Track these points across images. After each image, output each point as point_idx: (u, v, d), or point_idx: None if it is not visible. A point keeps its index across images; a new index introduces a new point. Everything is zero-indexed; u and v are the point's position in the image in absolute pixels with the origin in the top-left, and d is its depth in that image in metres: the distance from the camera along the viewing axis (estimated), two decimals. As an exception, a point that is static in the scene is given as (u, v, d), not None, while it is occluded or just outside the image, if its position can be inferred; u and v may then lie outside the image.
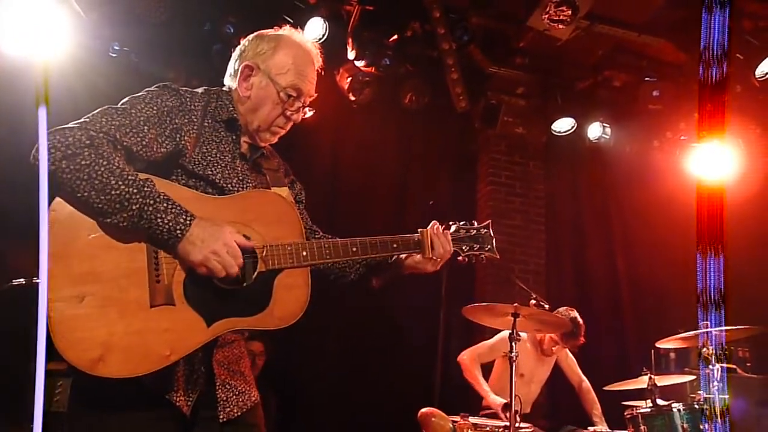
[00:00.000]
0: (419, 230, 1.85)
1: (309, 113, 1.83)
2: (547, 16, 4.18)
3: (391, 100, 5.18)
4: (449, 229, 1.93)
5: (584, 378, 4.39)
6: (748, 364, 4.81)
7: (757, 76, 4.71)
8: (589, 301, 5.61)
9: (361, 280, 1.95)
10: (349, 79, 4.81)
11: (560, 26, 4.25)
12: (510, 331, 3.25)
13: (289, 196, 1.79)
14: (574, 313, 4.05)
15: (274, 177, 1.81)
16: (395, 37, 4.70)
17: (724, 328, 3.52)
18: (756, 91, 4.94)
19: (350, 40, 4.52)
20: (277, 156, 1.92)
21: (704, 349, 3.62)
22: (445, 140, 5.67)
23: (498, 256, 1.95)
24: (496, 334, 4.10)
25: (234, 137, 1.75)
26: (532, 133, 5.77)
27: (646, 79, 5.31)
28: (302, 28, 4.30)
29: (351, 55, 4.56)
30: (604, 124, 5.51)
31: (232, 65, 1.82)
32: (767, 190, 5.58)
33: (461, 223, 1.96)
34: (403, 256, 1.88)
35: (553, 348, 4.16)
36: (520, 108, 5.66)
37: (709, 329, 3.47)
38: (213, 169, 1.66)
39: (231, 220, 1.60)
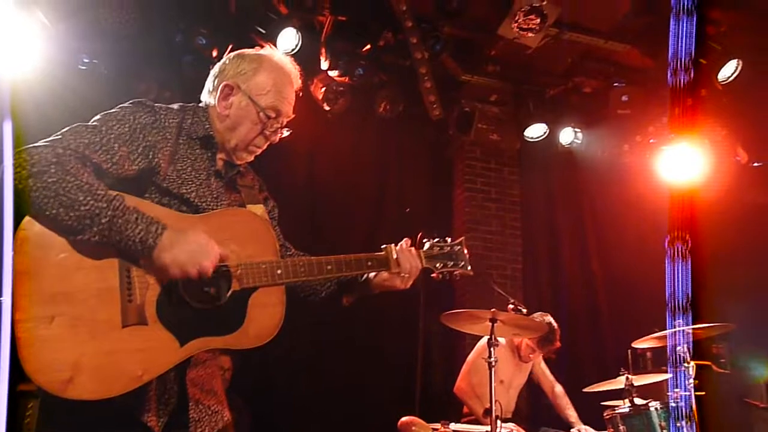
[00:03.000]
0: (383, 246, 1.86)
1: (286, 133, 1.83)
2: (516, 24, 4.25)
3: (366, 109, 5.20)
4: (422, 246, 1.95)
5: (556, 382, 4.43)
6: (722, 360, 4.91)
7: (720, 80, 4.83)
8: (565, 304, 5.67)
9: (332, 297, 1.97)
10: (323, 89, 4.82)
11: (530, 34, 4.32)
12: (489, 337, 3.28)
13: (264, 214, 1.80)
14: (549, 318, 4.10)
15: (248, 194, 1.81)
16: (368, 46, 4.73)
17: (696, 326, 3.59)
18: (720, 94, 5.06)
19: (323, 51, 4.53)
20: (251, 172, 1.91)
21: (678, 348, 3.70)
22: (421, 148, 5.71)
23: (472, 273, 1.99)
24: (475, 339, 4.13)
25: (210, 154, 1.75)
26: (506, 139, 5.84)
27: (615, 84, 5.41)
28: (275, 39, 4.31)
29: (324, 65, 4.58)
30: (576, 130, 5.60)
31: (210, 82, 1.82)
32: (735, 189, 5.72)
33: (435, 240, 1.98)
34: (372, 274, 1.89)
35: (531, 354, 4.20)
36: (493, 115, 5.73)
37: (681, 328, 3.54)
38: (187, 187, 1.65)
39: None
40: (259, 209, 1.77)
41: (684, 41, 4.31)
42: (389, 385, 4.67)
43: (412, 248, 1.90)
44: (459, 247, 1.98)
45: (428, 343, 4.90)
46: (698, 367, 3.87)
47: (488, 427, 3.18)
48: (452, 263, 1.95)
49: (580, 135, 5.62)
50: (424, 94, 5.08)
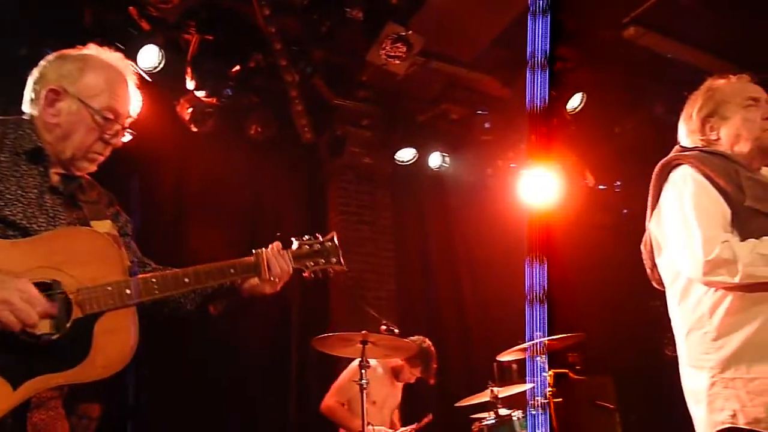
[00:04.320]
0: (254, 251, 1.79)
1: (128, 136, 1.71)
2: (384, 51, 4.40)
3: (237, 130, 5.09)
4: (291, 247, 1.87)
5: None
6: (578, 368, 5.30)
7: (568, 111, 5.31)
8: (439, 323, 5.86)
9: (199, 309, 1.84)
10: (191, 109, 4.65)
11: (396, 61, 4.48)
12: (360, 359, 3.28)
13: (112, 230, 1.65)
14: (428, 342, 4.19)
15: (93, 210, 1.66)
16: (238, 67, 4.65)
17: (551, 337, 3.85)
18: (569, 123, 5.55)
19: (189, 70, 4.38)
20: (97, 186, 1.76)
21: (537, 359, 3.94)
22: (294, 171, 5.67)
23: (345, 268, 1.91)
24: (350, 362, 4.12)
25: (41, 169, 1.59)
26: (378, 162, 5.97)
27: (478, 112, 5.76)
28: (135, 57, 4.10)
29: (190, 85, 4.42)
30: (444, 154, 5.87)
31: (30, 90, 1.67)
32: (585, 212, 6.27)
33: (304, 238, 1.90)
34: (239, 280, 1.81)
35: (410, 378, 4.27)
36: (366, 139, 5.84)
37: (538, 340, 3.78)
38: (12, 208, 1.49)
39: (36, 265, 1.44)
40: (105, 225, 1.63)
41: (538, 73, 4.71)
42: (262, 412, 4.51)
43: (284, 250, 1.82)
44: (331, 242, 1.90)
45: (303, 367, 4.81)
46: (556, 375, 4.16)
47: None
48: (324, 260, 1.87)
49: (447, 159, 5.90)
50: (295, 117, 5.07)
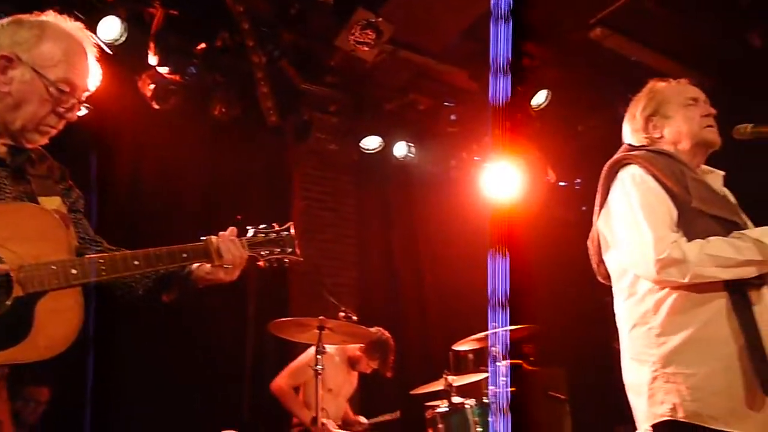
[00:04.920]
0: (203, 237, 1.74)
1: (84, 110, 1.65)
2: (353, 37, 4.36)
3: (200, 110, 4.98)
4: (246, 234, 1.83)
5: None
6: (532, 359, 5.42)
7: (533, 106, 5.37)
8: (399, 312, 5.89)
9: (151, 294, 1.78)
10: (153, 86, 4.52)
11: (365, 48, 4.46)
12: (316, 345, 3.28)
13: (61, 207, 1.59)
14: (386, 335, 4.21)
15: (42, 185, 1.59)
16: (203, 45, 4.54)
17: (506, 328, 3.92)
18: (533, 119, 5.62)
19: (152, 45, 4.26)
20: (49, 159, 1.69)
21: (493, 348, 4.01)
22: (258, 154, 5.58)
23: (301, 259, 1.87)
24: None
25: None
26: (344, 149, 5.94)
27: (445, 103, 5.77)
28: (96, 28, 3.97)
29: (153, 60, 4.30)
30: (410, 144, 5.87)
31: None
32: (546, 207, 6.36)
33: (260, 226, 1.86)
34: (194, 266, 1.76)
35: (367, 369, 4.29)
36: (332, 125, 5.80)
37: (493, 330, 3.84)
38: None
39: None
40: (54, 202, 1.56)
41: (502, 68, 4.74)
42: (216, 398, 4.47)
43: (237, 237, 1.77)
44: (287, 232, 1.86)
45: (261, 354, 4.78)
46: (511, 366, 4.24)
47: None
48: (279, 250, 1.83)
49: (413, 149, 5.90)
50: (261, 99, 4.99)
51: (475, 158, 6.06)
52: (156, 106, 4.63)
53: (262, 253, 1.82)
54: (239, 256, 1.75)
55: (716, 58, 4.97)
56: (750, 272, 1.82)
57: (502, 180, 5.56)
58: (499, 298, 4.92)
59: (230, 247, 1.73)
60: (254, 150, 5.49)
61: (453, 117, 5.72)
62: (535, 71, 5.33)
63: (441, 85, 5.77)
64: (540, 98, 5.38)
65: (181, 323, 4.35)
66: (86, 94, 1.65)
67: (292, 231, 1.89)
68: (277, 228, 1.87)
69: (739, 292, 1.83)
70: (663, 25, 4.88)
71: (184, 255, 1.68)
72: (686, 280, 1.81)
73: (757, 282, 1.85)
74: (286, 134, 5.61)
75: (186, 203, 5.04)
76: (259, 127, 5.31)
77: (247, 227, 1.86)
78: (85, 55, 1.64)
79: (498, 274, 5.09)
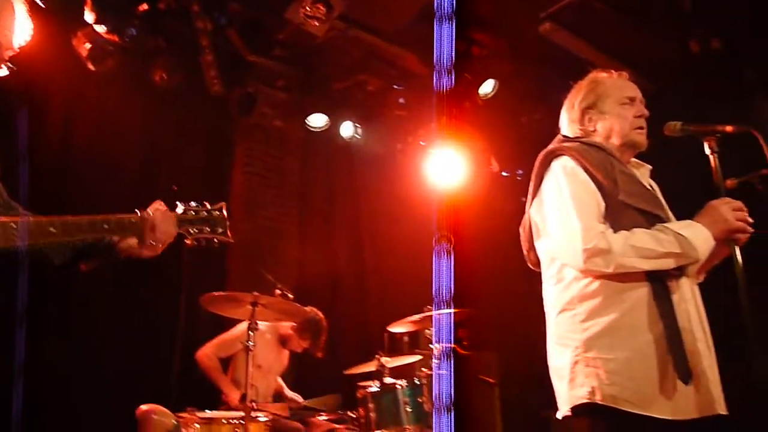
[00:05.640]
0: (137, 210, 1.69)
1: (5, 70, 1.54)
2: (303, 10, 4.27)
3: (140, 75, 4.77)
4: (175, 209, 1.78)
5: None
6: (465, 343, 5.53)
7: (480, 95, 5.42)
8: (338, 292, 5.88)
9: (66, 265, 1.71)
10: (89, 45, 4.30)
11: (315, 23, 4.37)
12: (248, 321, 3.23)
13: None
14: (320, 315, 4.19)
15: None
16: (145, 6, 4.34)
17: (439, 311, 3.97)
18: (480, 108, 5.67)
19: (89, 1, 4.03)
20: None
21: (427, 331, 4.06)
22: (200, 124, 5.40)
23: (232, 240, 1.84)
24: (241, 324, 4.04)
25: None
26: (290, 126, 5.84)
27: (394, 86, 5.75)
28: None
29: (89, 17, 4.07)
30: (357, 125, 5.82)
31: None
32: (489, 195, 6.46)
33: (191, 203, 1.81)
34: (116, 238, 1.70)
35: (299, 350, 4.26)
36: (279, 100, 5.68)
37: (427, 313, 3.89)
38: None
39: None
40: None
41: (448, 55, 4.75)
42: (146, 371, 4.35)
43: (170, 213, 1.73)
44: (219, 212, 1.83)
45: (193, 328, 4.67)
46: (445, 350, 4.30)
47: (240, 413, 3.13)
48: (209, 229, 1.79)
49: (360, 130, 5.86)
50: (204, 67, 4.83)
51: (421, 143, 6.07)
52: (92, 67, 4.41)
53: (191, 230, 1.78)
54: (169, 234, 1.71)
55: (656, 60, 5.14)
56: (670, 263, 1.90)
57: (446, 166, 5.60)
58: (442, 284, 4.97)
59: (159, 221, 1.69)
60: (195, 120, 5.31)
61: (401, 100, 5.70)
62: (484, 61, 5.37)
63: (391, 67, 5.73)
64: (487, 87, 5.43)
65: (115, 293, 4.22)
66: (10, 52, 1.54)
67: (224, 211, 1.85)
68: (209, 207, 1.83)
69: (659, 282, 1.91)
70: (609, 24, 5.00)
71: (105, 226, 1.62)
72: (611, 270, 1.88)
73: (677, 273, 1.93)
74: (230, 106, 5.45)
75: (121, 171, 4.84)
76: (201, 96, 5.14)
77: (177, 202, 1.80)
78: (12, 8, 1.55)
79: (443, 261, 5.14)
